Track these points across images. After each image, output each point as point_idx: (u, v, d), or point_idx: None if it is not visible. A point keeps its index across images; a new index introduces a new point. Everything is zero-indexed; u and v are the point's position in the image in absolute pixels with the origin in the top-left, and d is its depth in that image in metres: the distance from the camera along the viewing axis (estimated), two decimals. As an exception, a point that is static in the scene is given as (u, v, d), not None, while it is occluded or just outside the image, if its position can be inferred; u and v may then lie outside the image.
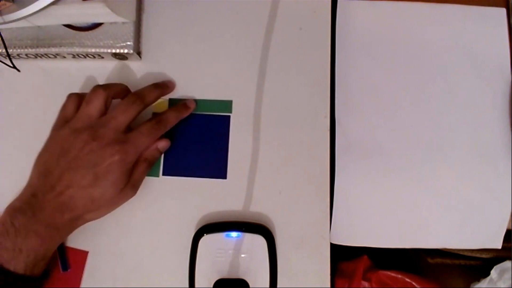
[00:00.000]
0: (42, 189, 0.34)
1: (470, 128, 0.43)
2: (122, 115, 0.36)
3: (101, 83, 0.43)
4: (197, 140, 0.42)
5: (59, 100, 0.43)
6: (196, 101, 0.42)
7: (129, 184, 0.37)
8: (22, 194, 0.35)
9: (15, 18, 0.37)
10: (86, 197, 0.34)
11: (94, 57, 0.42)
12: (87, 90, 0.43)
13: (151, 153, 0.39)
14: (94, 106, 0.36)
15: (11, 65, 0.39)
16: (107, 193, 0.35)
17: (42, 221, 0.33)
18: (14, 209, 0.33)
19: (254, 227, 0.39)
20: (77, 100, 0.38)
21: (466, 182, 0.43)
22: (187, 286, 0.38)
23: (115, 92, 0.38)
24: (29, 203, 0.33)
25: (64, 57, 0.42)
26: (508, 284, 0.42)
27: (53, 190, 0.34)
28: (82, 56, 0.42)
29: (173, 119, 0.40)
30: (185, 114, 0.41)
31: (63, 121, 0.37)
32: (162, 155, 0.42)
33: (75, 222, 0.36)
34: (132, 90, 0.43)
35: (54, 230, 0.34)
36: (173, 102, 0.42)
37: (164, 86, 0.41)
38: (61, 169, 0.34)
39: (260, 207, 0.41)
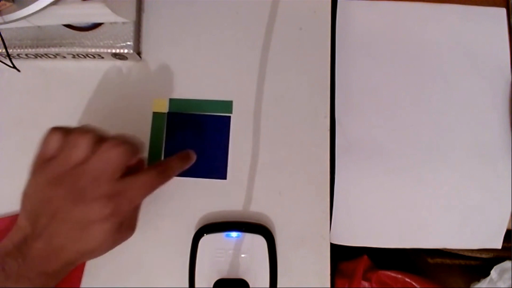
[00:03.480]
0: (31, 235, 0.32)
1: (470, 128, 0.43)
2: (115, 156, 0.31)
3: (101, 83, 0.43)
4: (197, 140, 0.42)
5: (59, 100, 0.43)
6: (196, 101, 0.42)
7: (123, 226, 0.33)
8: (13, 235, 0.33)
9: (15, 18, 0.36)
10: (75, 249, 0.32)
11: (94, 57, 0.42)
12: (86, 90, 0.43)
13: None
14: (78, 151, 0.31)
15: (11, 65, 0.39)
16: (99, 246, 0.32)
17: (33, 268, 0.31)
18: (6, 253, 0.31)
19: (254, 227, 0.39)
20: (61, 136, 0.32)
21: (466, 182, 0.43)
22: (187, 286, 0.38)
23: (103, 134, 0.32)
24: (19, 249, 0.32)
25: (64, 57, 0.42)
26: (508, 284, 0.42)
27: (41, 238, 0.31)
28: (82, 56, 0.42)
29: (177, 170, 0.36)
30: (187, 166, 0.38)
31: (43, 160, 0.33)
32: (162, 155, 0.42)
33: (69, 267, 0.33)
34: (132, 91, 0.43)
35: (46, 276, 0.32)
36: (173, 102, 0.42)
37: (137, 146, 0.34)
38: (47, 218, 0.31)
39: (260, 207, 0.41)
